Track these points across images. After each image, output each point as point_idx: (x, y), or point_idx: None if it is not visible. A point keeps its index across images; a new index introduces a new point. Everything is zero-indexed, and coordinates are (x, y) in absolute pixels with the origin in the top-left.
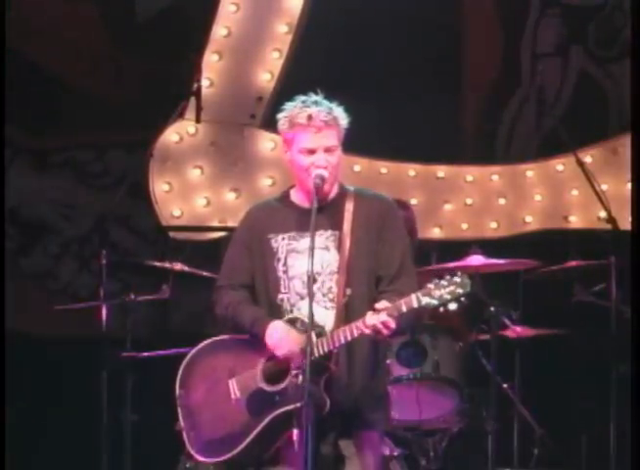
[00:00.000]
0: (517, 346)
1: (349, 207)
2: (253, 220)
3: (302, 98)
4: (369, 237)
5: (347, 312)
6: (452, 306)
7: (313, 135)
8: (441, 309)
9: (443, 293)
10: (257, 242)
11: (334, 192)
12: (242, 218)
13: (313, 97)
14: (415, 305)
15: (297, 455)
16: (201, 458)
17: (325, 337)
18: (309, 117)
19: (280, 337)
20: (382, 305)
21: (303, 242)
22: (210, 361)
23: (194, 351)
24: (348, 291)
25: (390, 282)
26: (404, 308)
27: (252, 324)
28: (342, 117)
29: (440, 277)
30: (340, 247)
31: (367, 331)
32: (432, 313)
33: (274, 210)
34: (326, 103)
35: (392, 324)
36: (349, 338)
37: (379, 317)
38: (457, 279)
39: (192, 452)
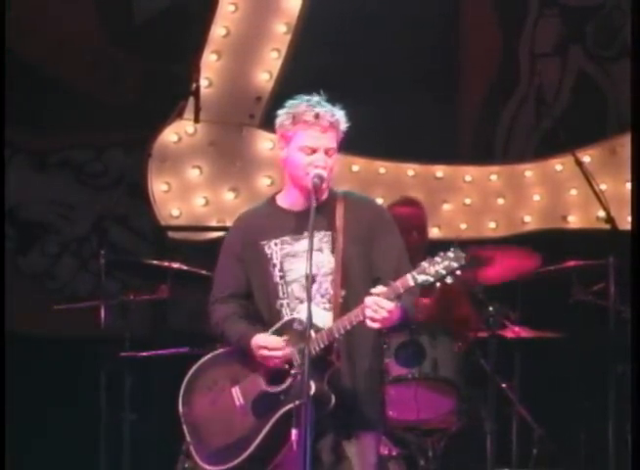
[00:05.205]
0: (515, 346)
1: (340, 209)
2: (243, 228)
3: (306, 97)
4: (361, 239)
5: (344, 313)
6: (449, 280)
7: (318, 135)
8: (438, 284)
9: (439, 269)
10: (250, 249)
11: (325, 194)
12: (231, 227)
13: (316, 97)
14: (411, 283)
15: (296, 455)
16: (208, 468)
17: (322, 331)
18: (317, 116)
19: (264, 348)
20: (378, 289)
21: (298, 245)
22: (211, 374)
23: (194, 368)
24: (343, 292)
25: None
26: (401, 289)
27: (239, 341)
28: (344, 122)
29: (433, 255)
30: (334, 248)
31: (364, 318)
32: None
33: (263, 216)
34: (328, 105)
35: (390, 305)
36: (348, 327)
37: (374, 299)
38: (451, 254)
39: (200, 464)
